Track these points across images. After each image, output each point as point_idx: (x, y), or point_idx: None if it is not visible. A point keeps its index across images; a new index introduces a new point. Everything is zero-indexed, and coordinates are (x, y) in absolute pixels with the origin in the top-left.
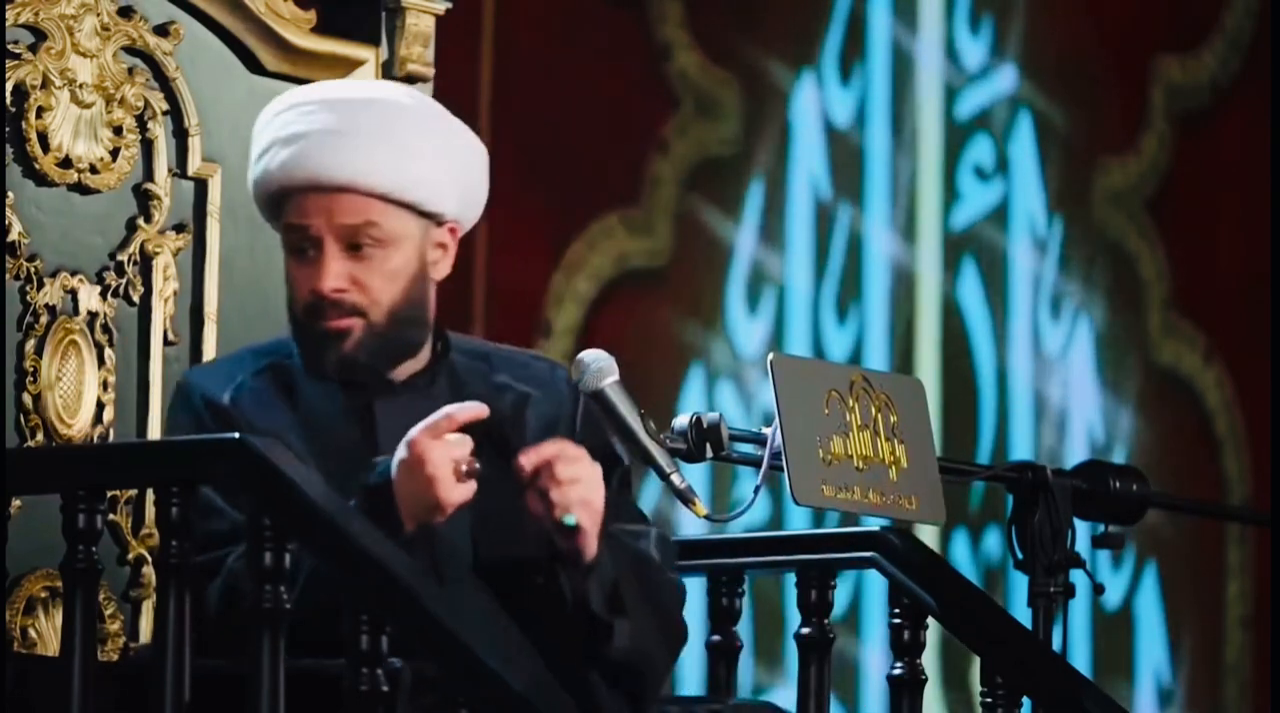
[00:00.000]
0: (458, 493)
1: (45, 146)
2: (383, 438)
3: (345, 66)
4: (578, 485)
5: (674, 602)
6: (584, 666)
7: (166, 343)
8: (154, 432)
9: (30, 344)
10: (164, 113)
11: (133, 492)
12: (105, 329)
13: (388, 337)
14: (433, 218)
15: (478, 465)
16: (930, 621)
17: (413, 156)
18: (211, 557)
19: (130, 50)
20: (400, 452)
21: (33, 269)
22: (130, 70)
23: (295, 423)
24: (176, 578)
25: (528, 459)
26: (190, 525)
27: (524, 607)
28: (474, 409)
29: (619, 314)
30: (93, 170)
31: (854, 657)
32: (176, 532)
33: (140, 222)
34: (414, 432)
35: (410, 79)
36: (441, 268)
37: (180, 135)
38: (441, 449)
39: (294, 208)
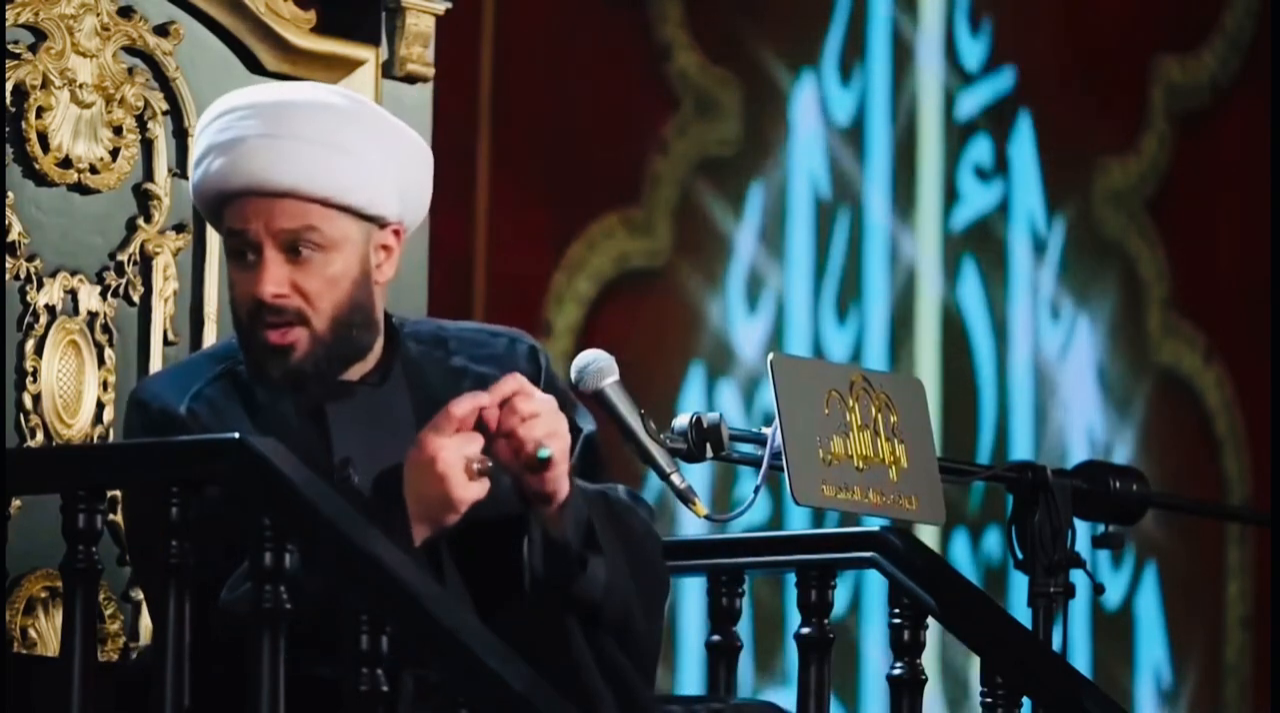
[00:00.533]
0: (471, 491)
1: (45, 146)
2: (336, 440)
3: (345, 66)
4: (542, 419)
5: (650, 540)
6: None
7: (166, 343)
8: None
9: (30, 344)
10: (164, 113)
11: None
12: (105, 329)
13: (332, 344)
14: (375, 221)
15: (490, 463)
16: (930, 620)
17: (351, 160)
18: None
19: (130, 50)
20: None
21: (33, 269)
22: (130, 70)
23: (252, 430)
24: (176, 578)
25: (491, 397)
26: (190, 526)
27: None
28: (470, 402)
29: (619, 314)
30: (93, 170)
31: (854, 657)
32: (176, 532)
33: (140, 222)
34: (422, 432)
35: (410, 79)
36: (386, 270)
37: (180, 135)
38: (452, 447)
39: (233, 213)
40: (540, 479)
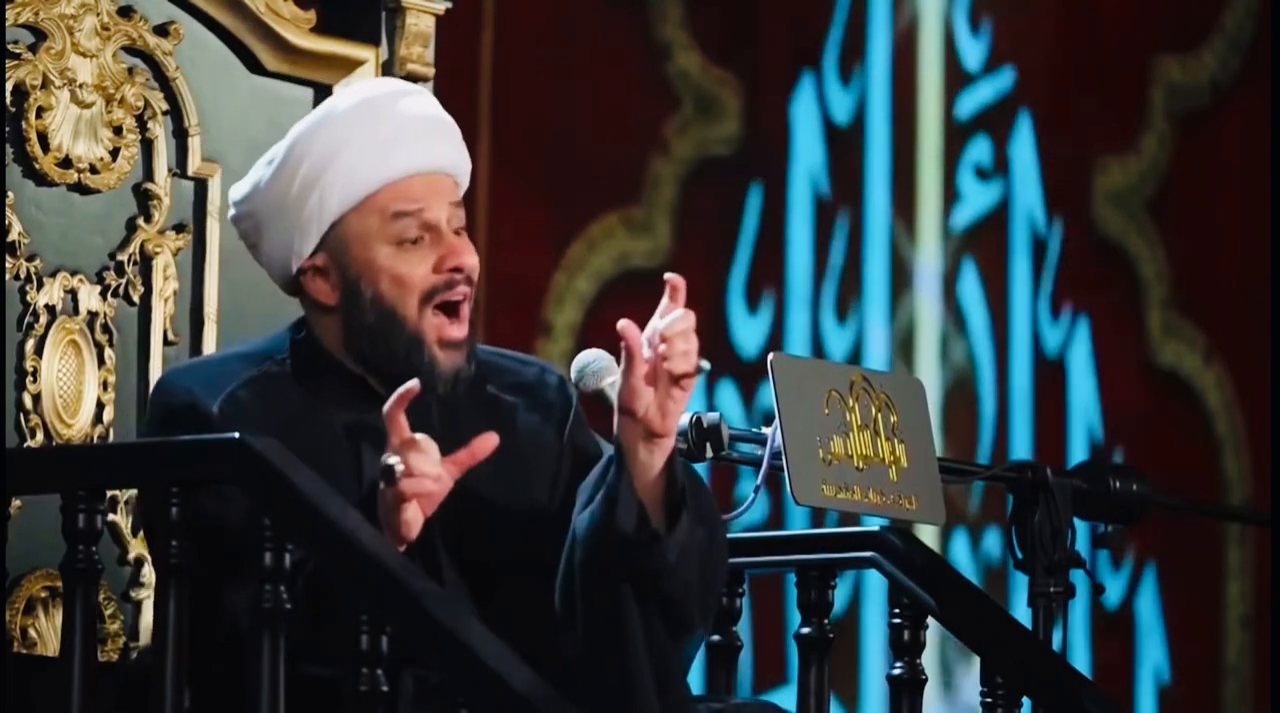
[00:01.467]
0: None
1: (45, 146)
2: (367, 460)
3: (345, 66)
4: (693, 337)
5: (723, 528)
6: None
7: (166, 343)
8: None
9: (30, 344)
10: (164, 113)
11: (133, 492)
12: (105, 329)
13: (473, 337)
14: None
15: (392, 465)
16: (930, 620)
17: (463, 147)
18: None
19: (130, 50)
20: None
21: (33, 269)
22: (130, 70)
23: (282, 436)
24: (176, 578)
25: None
26: (190, 525)
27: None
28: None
29: (619, 314)
30: (93, 170)
31: (854, 657)
32: (176, 532)
33: (140, 222)
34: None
35: (410, 79)
36: None
37: (180, 135)
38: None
39: (396, 195)
40: (664, 409)
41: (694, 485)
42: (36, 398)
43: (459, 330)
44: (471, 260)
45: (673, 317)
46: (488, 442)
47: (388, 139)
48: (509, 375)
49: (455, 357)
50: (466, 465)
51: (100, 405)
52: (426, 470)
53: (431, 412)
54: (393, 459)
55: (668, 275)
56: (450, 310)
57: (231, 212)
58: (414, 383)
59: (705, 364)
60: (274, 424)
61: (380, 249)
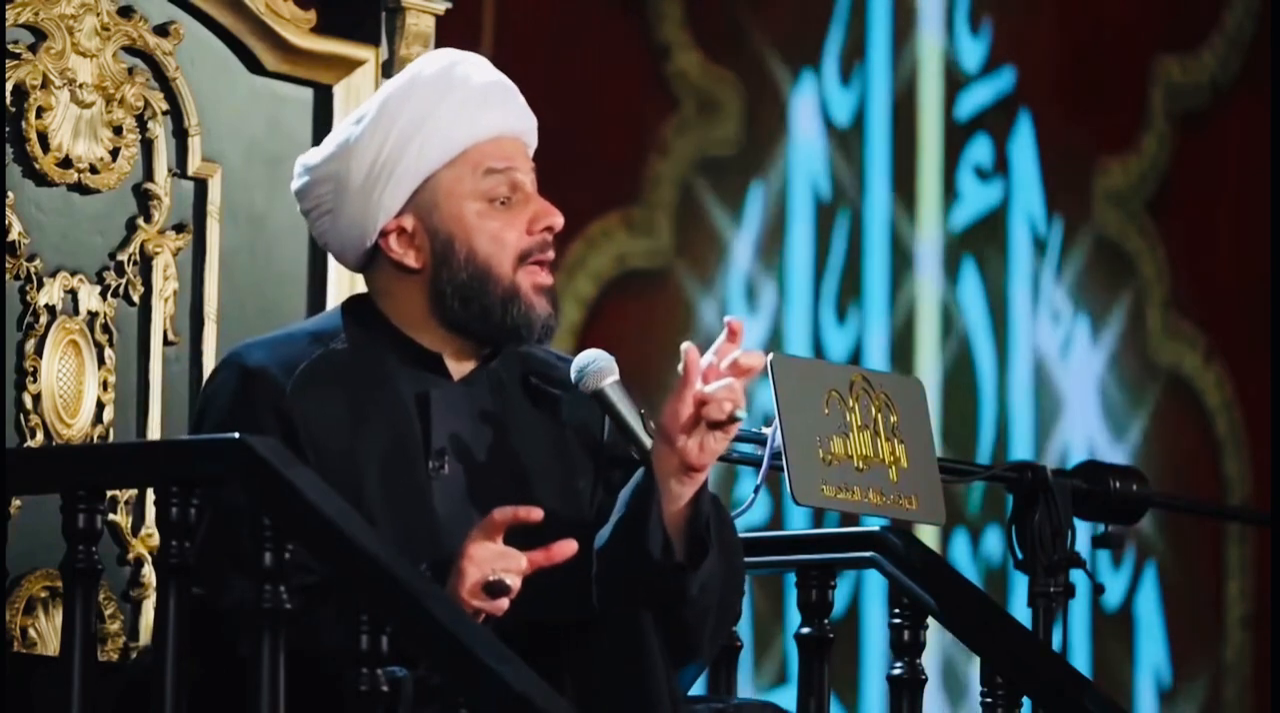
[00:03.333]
0: (475, 599)
1: (45, 146)
2: (436, 428)
3: (345, 66)
4: (741, 384)
5: (741, 565)
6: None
7: (166, 343)
8: (154, 432)
9: (30, 344)
10: (164, 113)
11: (133, 492)
12: (105, 329)
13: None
14: None
15: (508, 585)
16: (930, 620)
17: None
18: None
19: (130, 50)
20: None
21: (33, 269)
22: (130, 70)
23: (351, 417)
24: (176, 578)
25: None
26: (190, 525)
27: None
28: (511, 511)
29: (619, 314)
30: (93, 170)
31: (854, 657)
32: (176, 532)
33: (140, 222)
34: (476, 529)
35: None
36: None
37: (180, 135)
38: (484, 557)
39: (488, 153)
40: (703, 446)
41: (719, 518)
42: (36, 398)
43: (548, 277)
44: (560, 221)
45: (733, 357)
46: (566, 548)
47: (478, 100)
48: (550, 369)
49: (546, 303)
50: (539, 566)
51: (100, 405)
52: (517, 586)
53: (487, 400)
54: (510, 579)
55: (729, 319)
56: (541, 264)
57: (303, 179)
58: (538, 513)
59: (741, 413)
60: (342, 400)
61: (471, 206)
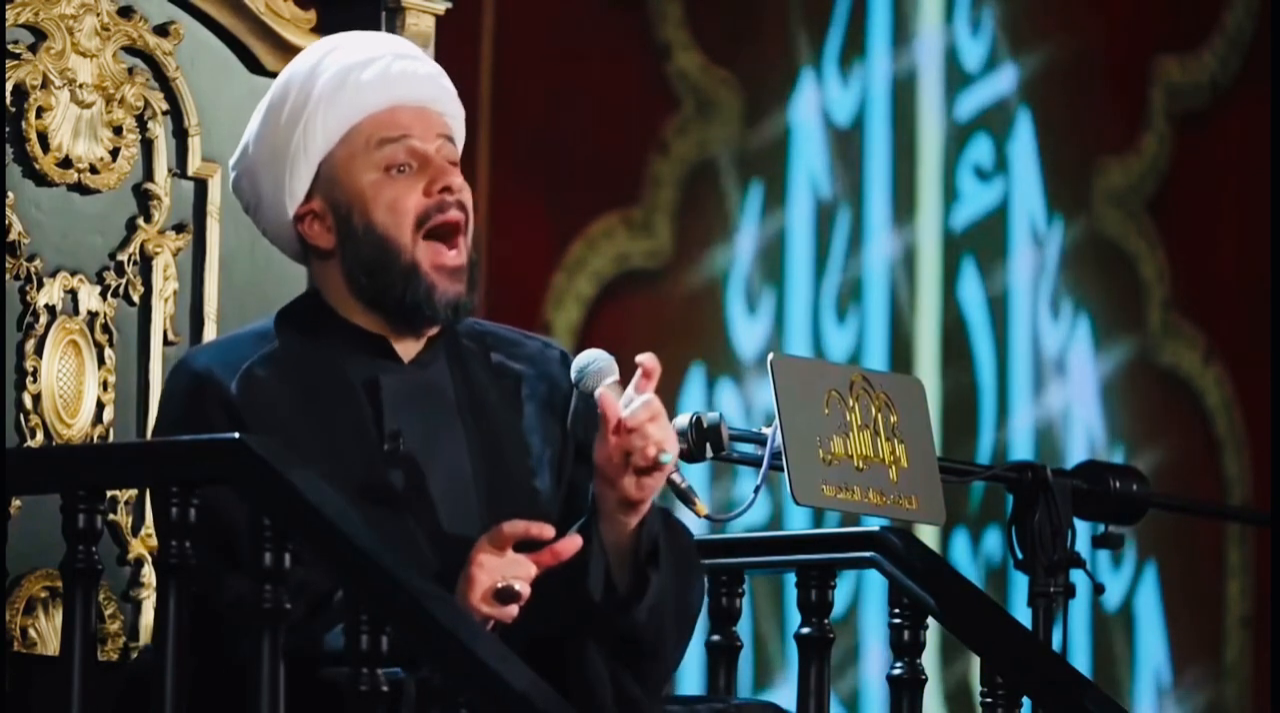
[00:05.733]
0: (485, 607)
1: (45, 146)
2: (388, 413)
3: None
4: (664, 422)
5: (699, 567)
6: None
7: (166, 343)
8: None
9: (30, 344)
10: (164, 113)
11: (133, 492)
12: (105, 329)
13: (471, 274)
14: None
15: (518, 591)
16: (930, 620)
17: (453, 95)
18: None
19: (130, 50)
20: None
21: (33, 269)
22: (130, 70)
23: (301, 408)
24: (176, 578)
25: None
26: (190, 525)
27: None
28: (522, 526)
29: (619, 314)
30: (93, 170)
31: (854, 657)
32: (176, 532)
33: (140, 222)
34: (482, 539)
35: None
36: None
37: (180, 135)
38: (493, 566)
39: (382, 123)
40: (640, 485)
41: (669, 534)
42: (36, 398)
43: (455, 258)
44: (459, 181)
45: (642, 400)
46: (571, 544)
47: (370, 74)
48: (513, 346)
49: (453, 284)
50: (547, 565)
51: (100, 405)
52: (527, 592)
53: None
54: (518, 585)
55: (640, 358)
56: (445, 237)
57: (232, 177)
58: (549, 530)
59: (666, 458)
60: (293, 395)
61: (367, 176)
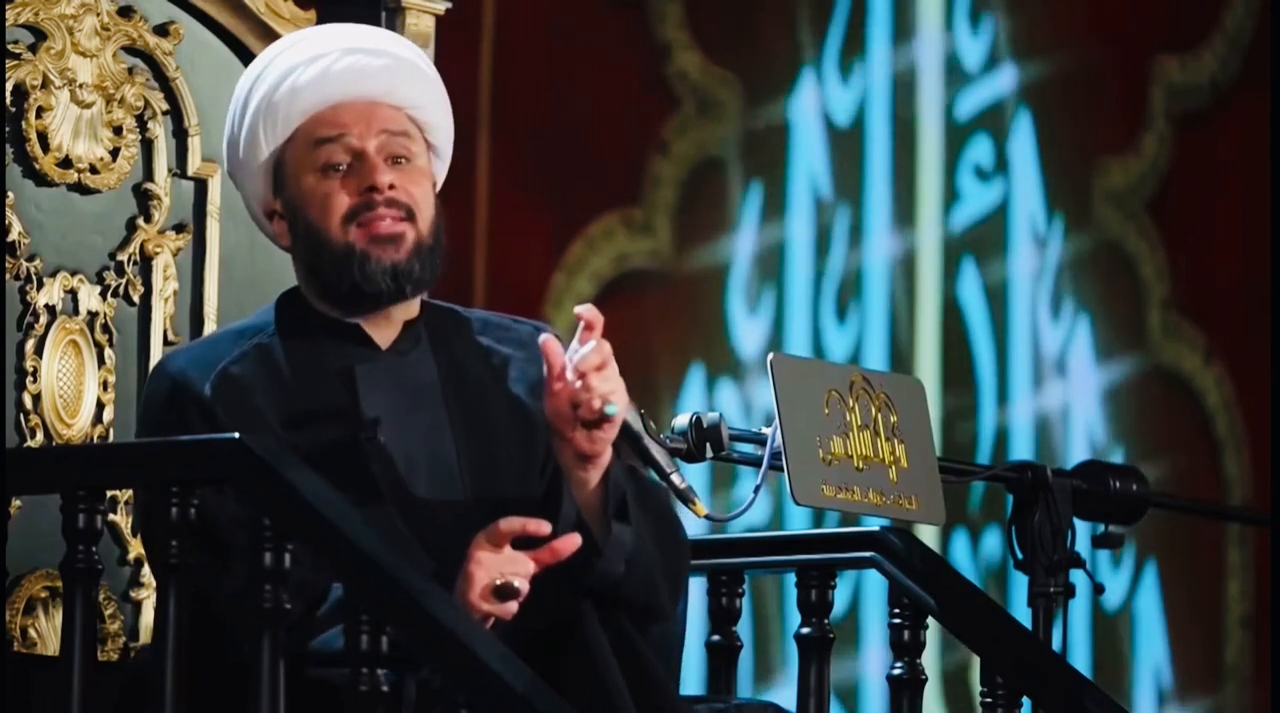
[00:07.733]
0: (484, 604)
1: (45, 146)
2: (365, 401)
3: None
4: (610, 372)
5: (675, 516)
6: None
7: (166, 343)
8: None
9: (30, 344)
10: (164, 113)
11: (133, 492)
12: (105, 329)
13: (427, 255)
14: (432, 149)
15: (517, 588)
16: (930, 620)
17: (423, 80)
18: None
19: (130, 50)
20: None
21: (33, 269)
22: (130, 70)
23: (277, 401)
24: (176, 578)
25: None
26: (190, 525)
27: None
28: (519, 522)
29: (619, 314)
30: (93, 170)
31: (854, 657)
32: (176, 532)
33: (140, 222)
34: (479, 536)
35: None
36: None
37: (180, 135)
38: (491, 562)
39: (322, 123)
40: (591, 437)
41: (636, 486)
42: (36, 398)
43: (388, 226)
44: (385, 179)
45: (584, 351)
46: (570, 542)
47: (309, 75)
48: (503, 330)
49: (388, 252)
50: (546, 563)
51: (100, 405)
52: (525, 589)
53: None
54: (517, 582)
55: (579, 309)
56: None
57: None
58: (546, 527)
59: (611, 410)
60: (271, 391)
61: (308, 178)
